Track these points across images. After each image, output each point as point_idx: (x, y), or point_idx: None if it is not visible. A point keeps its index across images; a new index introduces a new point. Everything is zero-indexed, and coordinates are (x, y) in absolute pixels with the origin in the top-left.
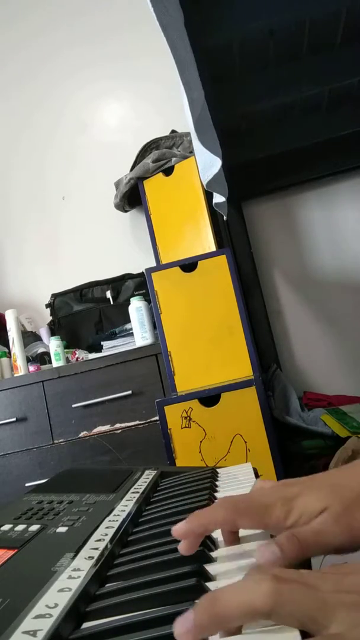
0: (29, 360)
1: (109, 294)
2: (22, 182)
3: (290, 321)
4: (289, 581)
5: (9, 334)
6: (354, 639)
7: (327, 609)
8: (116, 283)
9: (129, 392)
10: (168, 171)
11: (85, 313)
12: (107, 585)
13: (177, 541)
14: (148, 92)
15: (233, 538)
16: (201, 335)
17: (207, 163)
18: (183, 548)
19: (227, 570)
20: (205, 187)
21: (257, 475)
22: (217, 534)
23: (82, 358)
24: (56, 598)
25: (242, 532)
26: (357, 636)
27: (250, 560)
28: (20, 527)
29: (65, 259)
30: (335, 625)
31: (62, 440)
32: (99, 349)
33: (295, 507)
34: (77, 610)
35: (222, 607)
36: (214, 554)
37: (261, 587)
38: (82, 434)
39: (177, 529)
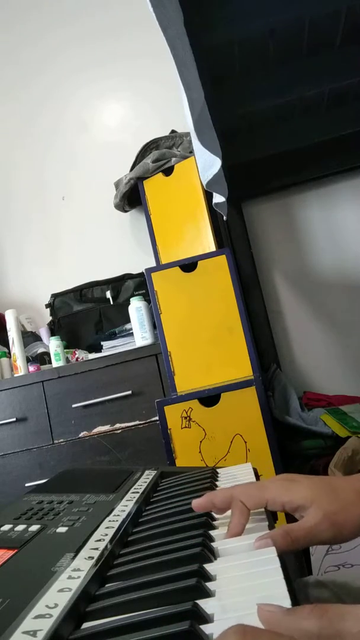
0: (29, 360)
1: (109, 294)
2: (23, 182)
3: (290, 321)
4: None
5: (9, 334)
6: None
7: None
8: (116, 283)
9: (129, 392)
10: (168, 171)
11: (85, 313)
12: (107, 585)
13: (176, 541)
14: (148, 92)
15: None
16: (201, 335)
17: (207, 163)
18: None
19: (227, 568)
20: (205, 187)
21: (257, 475)
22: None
23: (82, 358)
24: (56, 598)
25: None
26: None
27: (249, 559)
28: (20, 527)
29: (65, 258)
30: None
31: (62, 440)
32: (99, 349)
33: (292, 488)
34: (77, 611)
35: None
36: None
37: None
38: (82, 434)
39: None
